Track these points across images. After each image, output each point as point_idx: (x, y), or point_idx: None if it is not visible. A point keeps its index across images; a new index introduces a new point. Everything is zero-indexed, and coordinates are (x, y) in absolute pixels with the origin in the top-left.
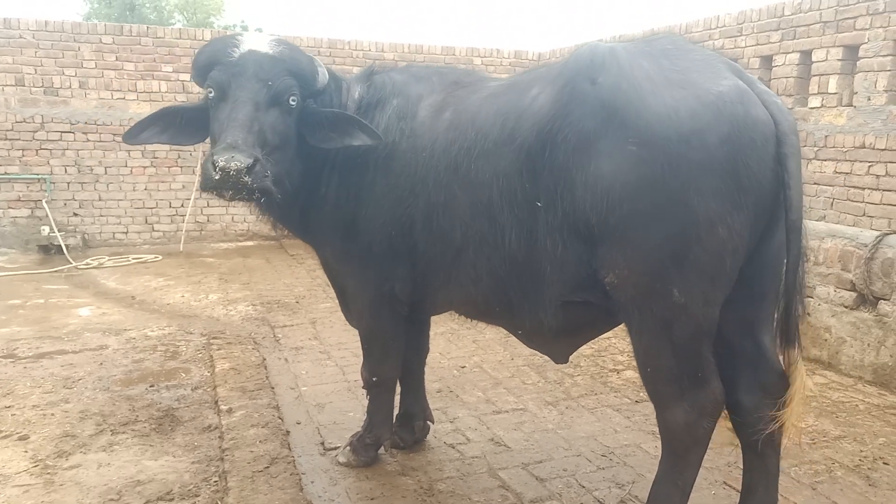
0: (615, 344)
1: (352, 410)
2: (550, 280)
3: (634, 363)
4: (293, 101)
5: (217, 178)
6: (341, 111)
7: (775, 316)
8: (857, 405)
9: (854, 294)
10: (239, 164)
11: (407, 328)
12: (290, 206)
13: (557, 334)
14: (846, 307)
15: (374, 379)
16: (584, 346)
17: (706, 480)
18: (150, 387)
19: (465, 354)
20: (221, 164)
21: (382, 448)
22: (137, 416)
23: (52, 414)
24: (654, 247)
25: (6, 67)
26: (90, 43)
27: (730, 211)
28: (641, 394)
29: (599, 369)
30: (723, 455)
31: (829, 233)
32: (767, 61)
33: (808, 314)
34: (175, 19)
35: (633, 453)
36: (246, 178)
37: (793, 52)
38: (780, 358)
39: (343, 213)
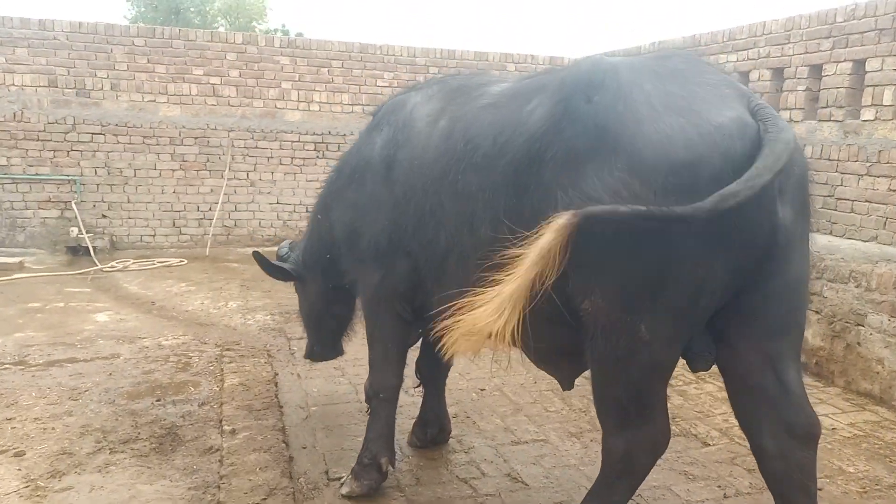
0: None
1: (361, 435)
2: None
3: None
4: None
5: None
6: None
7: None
8: None
9: None
10: None
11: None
12: None
13: (550, 356)
14: None
15: (374, 389)
16: None
17: None
18: (157, 401)
19: (486, 375)
20: None
21: (390, 474)
22: (139, 433)
23: (53, 428)
24: (630, 280)
25: (40, 69)
26: (122, 45)
27: (713, 251)
28: (673, 427)
29: None
30: None
31: (882, 256)
32: (817, 70)
33: (859, 344)
34: (218, 23)
35: (662, 496)
36: None
37: (845, 60)
38: None
39: (345, 225)
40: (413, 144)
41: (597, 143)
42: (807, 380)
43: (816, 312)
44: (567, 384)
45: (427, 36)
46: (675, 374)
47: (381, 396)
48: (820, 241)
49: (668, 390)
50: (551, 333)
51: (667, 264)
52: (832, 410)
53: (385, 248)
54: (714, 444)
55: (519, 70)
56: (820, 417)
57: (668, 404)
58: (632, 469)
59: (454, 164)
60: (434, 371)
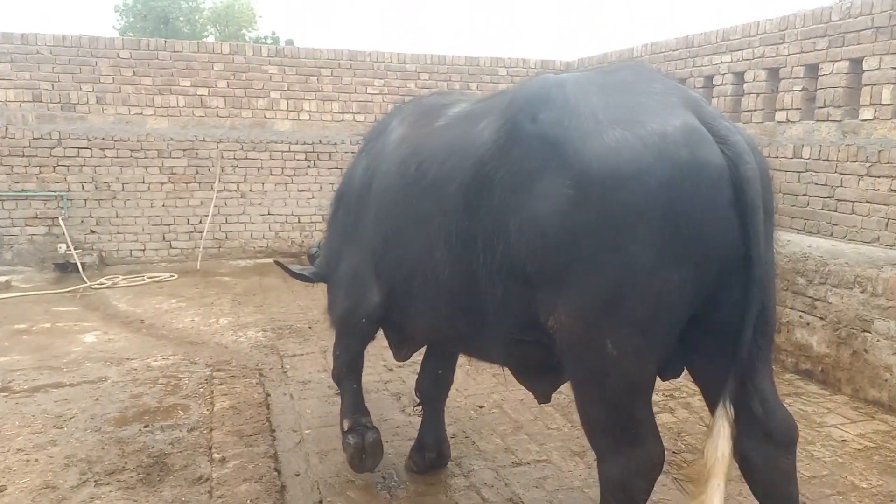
0: None
1: None
2: (493, 319)
3: (669, 404)
4: None
5: None
6: None
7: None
8: None
9: None
10: None
11: (437, 357)
12: None
13: (524, 371)
14: None
15: (337, 377)
16: None
17: None
18: (145, 427)
19: (485, 392)
20: None
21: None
22: (126, 462)
23: (36, 460)
24: (589, 295)
25: (24, 83)
26: (107, 58)
27: (668, 263)
28: (679, 443)
29: None
30: None
31: (888, 260)
32: (813, 70)
33: (866, 351)
34: (208, 31)
35: None
36: None
37: (841, 59)
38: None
39: (334, 247)
40: (382, 170)
41: (544, 160)
42: (813, 388)
43: (821, 318)
44: (542, 398)
45: (419, 40)
46: (677, 385)
47: (343, 384)
48: (823, 246)
49: (673, 403)
50: (521, 351)
51: (623, 278)
52: (840, 420)
53: (363, 275)
54: None
55: (511, 75)
56: (829, 428)
57: (674, 418)
58: (630, 495)
59: (409, 188)
60: (434, 390)
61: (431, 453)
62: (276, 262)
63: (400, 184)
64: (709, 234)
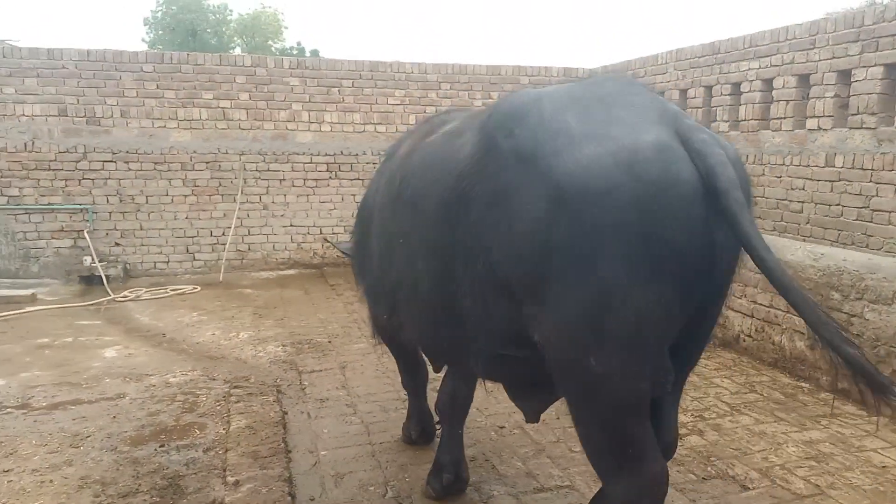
0: None
1: (373, 484)
2: (473, 333)
3: (699, 426)
4: None
5: None
6: None
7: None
8: None
9: None
10: None
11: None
12: None
13: (508, 388)
14: None
15: (404, 386)
16: None
17: None
18: (160, 447)
19: (505, 411)
20: None
21: None
22: (140, 484)
23: (51, 481)
24: (570, 312)
25: (49, 98)
26: (131, 72)
27: (644, 280)
28: (709, 468)
29: None
30: None
31: None
32: (845, 76)
33: None
34: (235, 43)
35: None
36: None
37: (875, 65)
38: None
39: (357, 256)
40: (381, 189)
41: (519, 177)
42: (850, 408)
43: (858, 336)
44: (531, 417)
45: (434, 47)
46: (707, 406)
47: (407, 388)
48: (859, 259)
49: (703, 424)
50: (502, 367)
51: (599, 295)
52: (881, 444)
53: (374, 290)
54: (754, 488)
55: (533, 83)
56: (868, 453)
57: (703, 440)
58: None
59: (394, 202)
60: (453, 408)
61: (449, 475)
62: (326, 240)
63: (388, 198)
64: (684, 251)
